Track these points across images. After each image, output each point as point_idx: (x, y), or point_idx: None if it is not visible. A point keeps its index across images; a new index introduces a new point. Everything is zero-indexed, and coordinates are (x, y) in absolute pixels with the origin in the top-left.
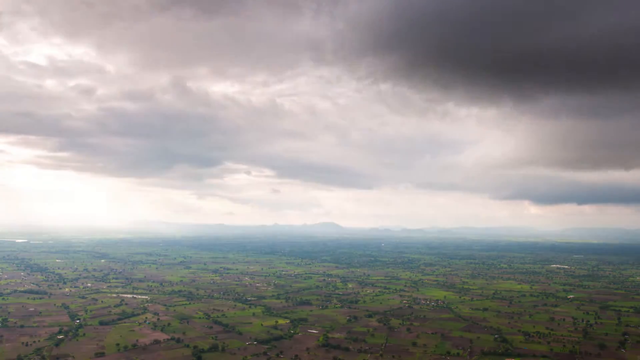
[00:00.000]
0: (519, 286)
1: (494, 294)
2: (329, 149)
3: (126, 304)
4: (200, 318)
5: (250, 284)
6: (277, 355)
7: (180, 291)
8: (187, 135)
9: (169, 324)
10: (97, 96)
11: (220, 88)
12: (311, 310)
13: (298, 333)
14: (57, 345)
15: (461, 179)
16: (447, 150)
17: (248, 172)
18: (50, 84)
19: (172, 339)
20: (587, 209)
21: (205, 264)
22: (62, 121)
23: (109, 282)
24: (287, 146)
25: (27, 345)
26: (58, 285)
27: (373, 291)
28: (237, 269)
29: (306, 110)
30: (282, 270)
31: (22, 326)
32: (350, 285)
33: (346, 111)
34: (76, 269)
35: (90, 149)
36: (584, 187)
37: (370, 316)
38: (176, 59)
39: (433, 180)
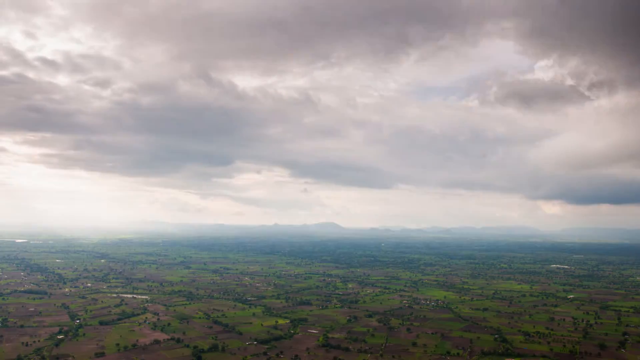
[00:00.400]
0: (519, 286)
1: (494, 294)
2: (355, 147)
3: (126, 304)
4: (200, 318)
5: (250, 284)
6: (277, 355)
7: (180, 291)
8: (204, 131)
9: (169, 324)
10: (113, 90)
11: (248, 80)
12: (311, 310)
13: (298, 333)
14: (57, 345)
15: (500, 178)
16: (510, 147)
17: (258, 172)
18: (64, 78)
19: (172, 339)
20: (616, 209)
21: (205, 264)
22: (74, 118)
23: (109, 282)
24: (311, 144)
25: (27, 345)
26: (58, 285)
27: (373, 291)
28: (237, 269)
29: (341, 104)
30: (282, 270)
31: (22, 326)
32: (350, 285)
33: (386, 105)
34: (76, 269)
35: (102, 147)
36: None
37: (370, 316)
38: (202, 48)
39: (465, 178)
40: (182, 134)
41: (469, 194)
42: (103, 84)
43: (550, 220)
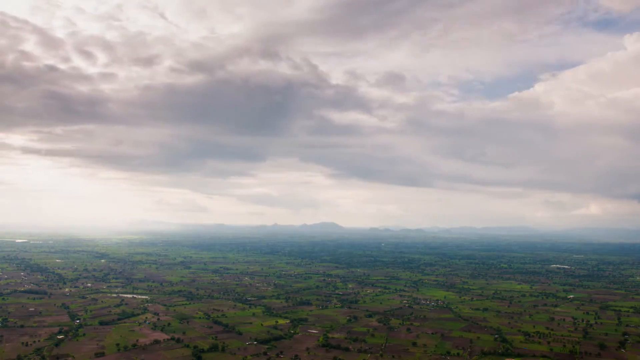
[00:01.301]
0: (519, 286)
1: (494, 294)
2: (420, 141)
3: (126, 304)
4: (200, 318)
5: (250, 284)
6: (277, 355)
7: (180, 291)
8: (250, 120)
9: (169, 324)
10: (153, 71)
11: (319, 58)
12: (311, 310)
13: (298, 333)
14: (57, 345)
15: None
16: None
17: (281, 171)
18: (95, 68)
19: (172, 339)
20: None
21: (205, 264)
22: (104, 110)
23: (109, 282)
24: (375, 137)
25: (27, 345)
26: (58, 285)
27: (373, 291)
28: (237, 269)
29: (423, 88)
30: (282, 270)
31: (22, 326)
32: (350, 285)
33: (471, 92)
34: (76, 269)
35: (131, 143)
36: None
37: (370, 316)
38: (270, 20)
39: (534, 177)
40: (223, 123)
41: (511, 192)
42: (145, 63)
43: (576, 220)
